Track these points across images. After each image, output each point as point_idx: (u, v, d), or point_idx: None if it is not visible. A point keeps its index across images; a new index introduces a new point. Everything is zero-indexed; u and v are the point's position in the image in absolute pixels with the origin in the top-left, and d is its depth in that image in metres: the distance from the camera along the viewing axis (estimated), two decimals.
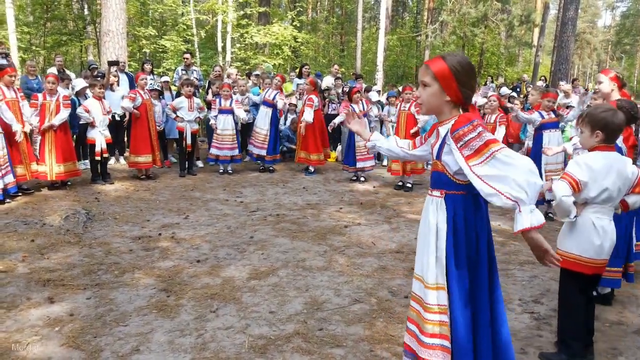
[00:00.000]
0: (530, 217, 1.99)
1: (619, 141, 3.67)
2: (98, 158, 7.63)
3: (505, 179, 1.99)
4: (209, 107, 9.31)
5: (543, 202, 6.32)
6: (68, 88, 8.52)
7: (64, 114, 7.11)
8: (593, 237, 2.89)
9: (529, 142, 7.01)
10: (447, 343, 2.25)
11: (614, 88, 4.37)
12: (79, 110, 7.55)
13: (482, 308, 2.26)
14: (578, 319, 3.00)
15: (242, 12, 17.35)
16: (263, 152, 9.09)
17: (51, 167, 7.04)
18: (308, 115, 8.64)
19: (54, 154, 7.05)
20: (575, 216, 2.87)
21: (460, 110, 2.23)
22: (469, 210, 2.23)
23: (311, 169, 9.15)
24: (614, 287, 3.88)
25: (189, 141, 8.48)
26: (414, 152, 2.63)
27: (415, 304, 2.40)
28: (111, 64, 9.34)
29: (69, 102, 7.43)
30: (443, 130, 2.24)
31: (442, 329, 2.26)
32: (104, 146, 7.63)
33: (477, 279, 2.26)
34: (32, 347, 3.12)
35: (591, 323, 3.11)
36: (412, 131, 7.81)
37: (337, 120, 8.65)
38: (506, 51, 28.05)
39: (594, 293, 3.75)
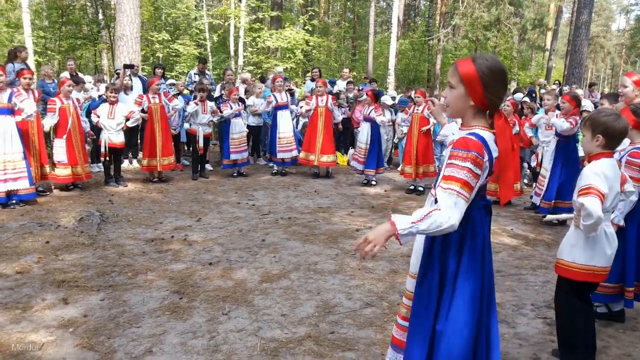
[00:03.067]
0: (404, 223, 1.98)
1: None
2: (102, 159, 7.75)
3: (439, 210, 1.98)
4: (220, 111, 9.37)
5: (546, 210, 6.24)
6: (81, 91, 8.63)
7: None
8: (606, 246, 2.85)
9: (544, 147, 6.86)
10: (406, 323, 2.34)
11: (638, 94, 4.28)
12: (92, 115, 7.71)
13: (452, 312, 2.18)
14: (580, 326, 2.94)
15: (254, 17, 17.45)
16: (295, 154, 9.19)
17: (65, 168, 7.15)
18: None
19: (66, 155, 7.15)
20: None
21: (487, 116, 2.14)
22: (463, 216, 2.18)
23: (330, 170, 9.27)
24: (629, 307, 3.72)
25: (201, 144, 8.57)
26: None
27: (408, 301, 2.41)
28: (127, 67, 9.44)
29: (81, 104, 7.57)
30: (460, 135, 2.16)
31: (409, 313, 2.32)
32: (106, 149, 7.70)
33: (468, 282, 2.18)
34: (47, 347, 3.16)
35: (593, 328, 3.04)
36: (423, 129, 7.82)
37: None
38: (519, 55, 27.89)
39: (604, 309, 3.73)
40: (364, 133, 8.54)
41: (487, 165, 2.07)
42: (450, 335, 2.13)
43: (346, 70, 13.57)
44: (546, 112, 7.02)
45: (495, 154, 2.09)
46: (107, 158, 7.79)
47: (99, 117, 7.64)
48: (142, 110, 8.18)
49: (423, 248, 2.28)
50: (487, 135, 2.08)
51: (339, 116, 9.09)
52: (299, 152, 9.20)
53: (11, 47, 8.42)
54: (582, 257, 2.87)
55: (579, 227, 2.82)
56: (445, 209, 1.97)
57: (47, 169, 7.13)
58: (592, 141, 2.87)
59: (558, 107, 6.83)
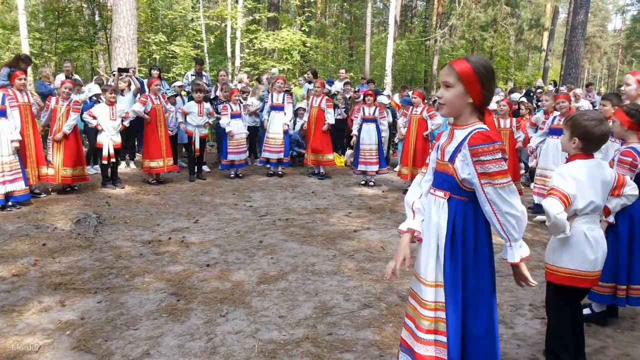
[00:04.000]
0: (520, 252, 2.19)
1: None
2: (105, 162, 7.71)
3: (503, 212, 2.12)
4: (217, 113, 9.36)
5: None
6: (78, 93, 8.61)
7: (72, 119, 7.15)
8: (587, 250, 2.79)
9: (540, 147, 6.87)
10: (443, 338, 2.27)
11: None
12: (85, 115, 7.65)
13: (480, 313, 2.26)
14: (567, 331, 2.92)
15: (251, 18, 17.45)
16: (281, 156, 9.18)
17: (58, 170, 7.10)
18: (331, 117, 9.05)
19: (61, 157, 7.12)
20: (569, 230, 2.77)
21: (478, 114, 2.20)
22: (469, 217, 2.23)
23: (322, 171, 9.25)
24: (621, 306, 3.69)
25: (197, 145, 8.55)
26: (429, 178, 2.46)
27: (413, 301, 2.43)
28: (121, 70, 9.42)
29: (79, 107, 7.51)
30: (460, 134, 2.20)
31: (439, 325, 2.29)
32: (112, 151, 7.69)
33: (476, 285, 2.25)
34: (44, 350, 3.14)
35: (582, 333, 3.03)
36: (425, 134, 7.85)
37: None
38: (515, 55, 27.97)
39: (589, 311, 3.70)
40: (370, 134, 8.52)
41: None
42: (488, 328, 2.29)
43: (342, 71, 13.58)
44: (545, 113, 7.02)
45: None
46: (111, 160, 7.76)
47: (95, 118, 7.59)
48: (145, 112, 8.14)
49: (445, 246, 2.28)
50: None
51: (331, 117, 9.06)
52: (286, 155, 9.22)
53: (21, 54, 8.29)
54: (562, 261, 2.84)
55: None
56: (513, 204, 2.11)
57: (44, 170, 7.09)
58: (569, 142, 2.85)
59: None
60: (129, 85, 9.55)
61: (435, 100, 10.40)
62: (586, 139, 2.78)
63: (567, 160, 2.89)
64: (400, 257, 2.34)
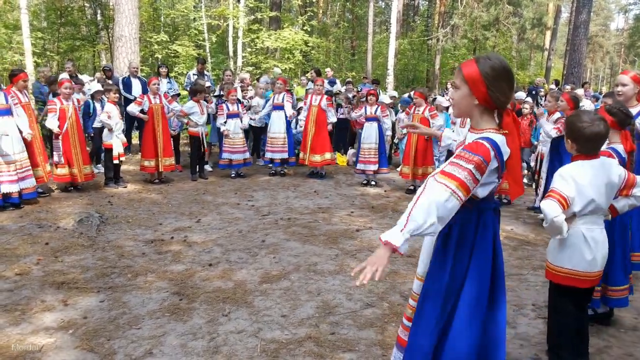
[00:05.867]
0: (392, 233, 1.97)
1: (621, 149, 3.38)
2: (116, 161, 7.73)
3: (416, 196, 1.99)
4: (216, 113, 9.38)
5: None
6: (80, 93, 8.61)
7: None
8: (585, 251, 2.77)
9: (542, 148, 6.84)
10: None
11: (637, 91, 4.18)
12: (103, 116, 7.65)
13: (457, 322, 2.19)
14: (570, 330, 2.92)
15: (252, 17, 17.44)
16: (284, 155, 9.16)
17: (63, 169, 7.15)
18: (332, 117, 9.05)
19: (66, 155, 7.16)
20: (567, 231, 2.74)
21: (495, 115, 2.16)
22: (469, 224, 2.19)
23: (322, 172, 9.24)
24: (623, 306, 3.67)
25: (205, 145, 8.63)
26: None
27: (414, 303, 2.44)
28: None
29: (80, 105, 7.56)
30: (470, 138, 2.17)
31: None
32: (121, 150, 7.72)
33: (464, 294, 2.19)
34: (47, 349, 3.15)
35: (586, 334, 3.02)
36: (426, 137, 7.81)
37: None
38: (518, 55, 27.89)
39: (590, 312, 3.68)
40: (372, 133, 8.51)
41: (494, 170, 2.08)
42: (456, 336, 2.16)
43: (328, 69, 13.66)
44: (549, 113, 6.99)
45: (506, 156, 2.11)
46: (121, 159, 7.79)
47: (110, 118, 7.62)
48: (142, 111, 8.17)
49: (434, 246, 2.30)
50: (499, 139, 2.08)
51: (332, 117, 9.05)
52: (291, 155, 9.20)
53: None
54: (560, 260, 2.84)
55: None
56: (430, 205, 1.93)
57: (47, 167, 7.11)
58: (567, 143, 2.86)
59: None
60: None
61: (435, 98, 10.39)
62: (578, 140, 2.77)
63: (571, 161, 2.87)
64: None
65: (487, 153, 2.02)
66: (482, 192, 2.14)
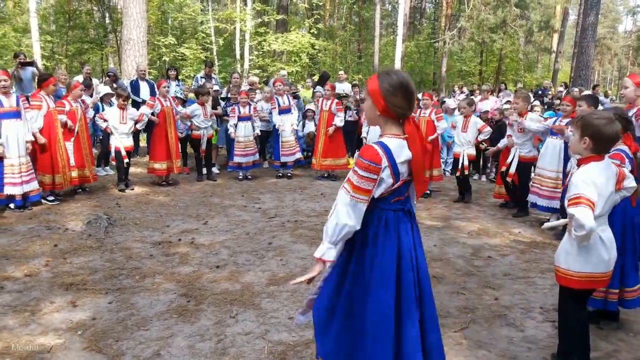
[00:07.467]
0: (322, 251, 2.36)
1: (628, 150, 3.43)
2: (126, 160, 7.79)
3: (332, 211, 2.31)
4: (226, 115, 9.40)
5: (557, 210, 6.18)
6: (91, 96, 8.69)
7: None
8: (602, 252, 2.76)
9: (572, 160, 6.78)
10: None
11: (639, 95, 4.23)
12: (96, 118, 7.76)
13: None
14: (583, 334, 2.91)
15: (259, 20, 17.50)
16: (298, 156, 9.28)
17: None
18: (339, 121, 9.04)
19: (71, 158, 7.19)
20: None
21: (400, 123, 2.31)
22: (369, 225, 2.34)
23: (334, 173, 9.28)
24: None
25: (203, 147, 8.65)
26: None
27: None
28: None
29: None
30: None
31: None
32: (124, 152, 7.75)
33: (350, 286, 2.44)
34: (56, 350, 3.17)
35: (588, 334, 2.99)
36: (430, 138, 7.76)
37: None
38: (525, 57, 27.82)
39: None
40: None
41: (388, 171, 2.25)
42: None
43: (342, 72, 13.72)
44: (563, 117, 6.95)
45: (404, 158, 2.27)
46: (125, 161, 7.83)
47: (106, 121, 7.67)
48: (152, 114, 8.20)
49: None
50: (395, 143, 2.27)
51: (340, 120, 9.05)
52: (303, 154, 9.24)
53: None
54: (577, 265, 2.80)
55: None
56: (338, 212, 2.26)
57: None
58: (579, 142, 2.80)
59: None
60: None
61: (444, 101, 10.37)
62: (596, 139, 2.74)
63: (579, 163, 2.83)
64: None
65: (374, 155, 2.22)
66: (377, 192, 2.28)
